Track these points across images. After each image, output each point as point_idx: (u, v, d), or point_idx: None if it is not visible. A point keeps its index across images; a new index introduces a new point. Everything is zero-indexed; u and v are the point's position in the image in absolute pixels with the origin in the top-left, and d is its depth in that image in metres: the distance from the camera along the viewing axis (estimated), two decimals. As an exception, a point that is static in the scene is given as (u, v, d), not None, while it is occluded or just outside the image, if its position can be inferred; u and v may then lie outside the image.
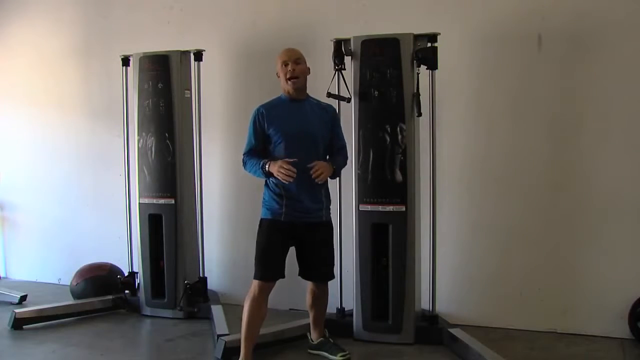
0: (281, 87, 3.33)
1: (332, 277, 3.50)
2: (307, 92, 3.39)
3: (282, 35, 4.48)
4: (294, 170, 3.09)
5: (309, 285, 3.47)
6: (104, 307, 4.52)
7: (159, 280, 4.39)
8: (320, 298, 3.50)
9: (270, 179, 3.26)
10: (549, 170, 3.94)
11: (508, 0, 3.99)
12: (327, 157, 3.40)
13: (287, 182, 3.11)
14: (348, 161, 3.61)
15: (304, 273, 3.42)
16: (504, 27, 3.98)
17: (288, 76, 3.25)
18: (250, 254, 3.32)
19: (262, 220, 3.32)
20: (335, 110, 3.52)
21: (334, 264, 3.49)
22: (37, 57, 5.48)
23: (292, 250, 3.37)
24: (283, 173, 3.09)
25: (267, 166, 3.15)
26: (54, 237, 5.50)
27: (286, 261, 3.34)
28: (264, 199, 3.32)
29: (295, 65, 3.25)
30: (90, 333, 4.13)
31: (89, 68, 5.28)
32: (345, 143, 3.52)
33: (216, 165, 4.74)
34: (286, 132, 3.23)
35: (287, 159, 3.12)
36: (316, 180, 3.19)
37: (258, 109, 3.30)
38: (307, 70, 3.34)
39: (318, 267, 3.41)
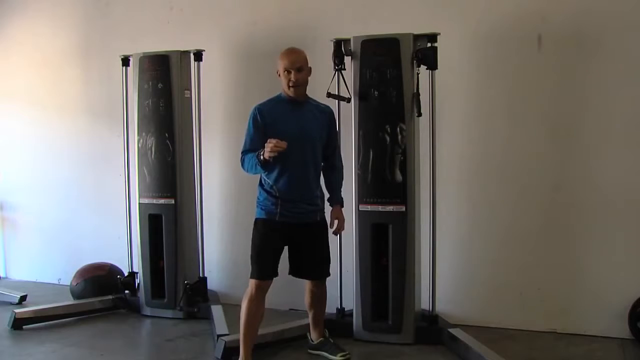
0: (281, 87, 3.33)
1: (327, 274, 3.49)
2: (307, 92, 3.38)
3: (282, 35, 4.47)
4: (282, 144, 3.03)
5: (307, 285, 3.48)
6: (104, 307, 4.51)
7: (159, 280, 4.39)
8: (318, 298, 3.50)
9: (265, 180, 3.28)
10: (548, 170, 3.94)
11: (508, 0, 3.99)
12: (325, 161, 3.43)
13: (279, 152, 3.03)
14: (348, 161, 3.62)
15: (299, 272, 3.41)
16: (504, 27, 3.98)
17: (290, 85, 3.24)
18: (250, 254, 3.33)
19: (256, 220, 3.32)
20: (332, 112, 3.52)
21: (329, 262, 3.49)
22: (37, 57, 5.49)
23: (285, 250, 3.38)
24: (271, 148, 3.03)
25: (261, 155, 3.11)
26: (54, 237, 5.50)
27: (285, 261, 3.34)
28: (258, 199, 3.33)
29: (298, 74, 3.23)
30: (90, 333, 4.13)
31: (89, 68, 5.28)
32: (339, 149, 3.54)
33: (216, 165, 4.74)
34: (284, 133, 3.20)
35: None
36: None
37: (257, 108, 3.29)
38: (309, 73, 3.33)
39: (313, 265, 3.41)
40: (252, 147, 3.26)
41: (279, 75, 3.29)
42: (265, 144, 3.06)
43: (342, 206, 3.51)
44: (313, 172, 3.34)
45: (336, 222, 3.45)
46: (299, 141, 3.24)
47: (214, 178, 4.72)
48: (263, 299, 3.29)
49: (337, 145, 3.54)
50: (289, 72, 3.24)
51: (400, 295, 3.70)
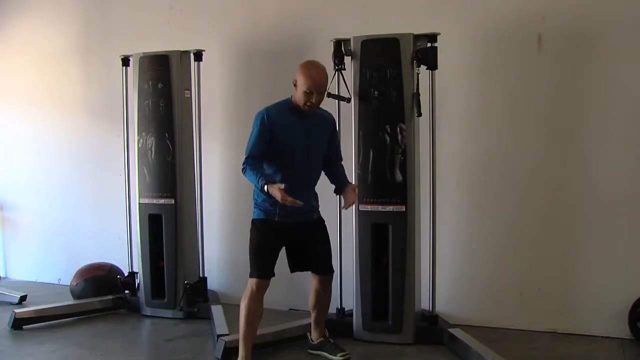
0: (294, 96, 3.26)
1: (332, 268, 3.50)
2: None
3: (282, 35, 4.48)
4: (298, 202, 3.06)
5: (312, 285, 3.48)
6: (104, 307, 4.51)
7: (159, 280, 4.38)
8: (323, 298, 3.51)
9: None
10: (548, 170, 3.94)
11: (508, 0, 3.99)
12: (327, 166, 3.44)
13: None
14: (348, 161, 3.63)
15: (301, 265, 3.42)
16: (504, 27, 3.97)
17: (307, 105, 3.20)
18: (251, 254, 3.33)
19: (254, 220, 3.32)
20: (334, 119, 3.53)
21: (330, 256, 3.50)
22: (37, 57, 5.49)
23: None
24: (284, 202, 3.05)
25: (265, 188, 3.10)
26: (54, 237, 5.50)
27: (283, 263, 3.35)
28: (255, 200, 3.32)
29: (318, 97, 3.20)
30: (90, 333, 4.13)
31: (89, 68, 5.28)
32: (340, 154, 3.55)
33: (216, 165, 4.74)
34: (290, 142, 3.22)
35: (283, 189, 3.05)
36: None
37: (265, 112, 3.24)
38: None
39: (317, 258, 3.42)
40: (256, 152, 3.23)
41: (295, 86, 3.22)
42: (281, 199, 3.02)
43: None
44: (313, 180, 3.37)
45: (350, 197, 3.37)
46: (304, 150, 3.25)
47: (214, 178, 4.72)
48: (262, 298, 3.29)
49: (339, 150, 3.55)
50: (310, 94, 3.18)
51: (400, 295, 3.70)
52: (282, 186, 3.05)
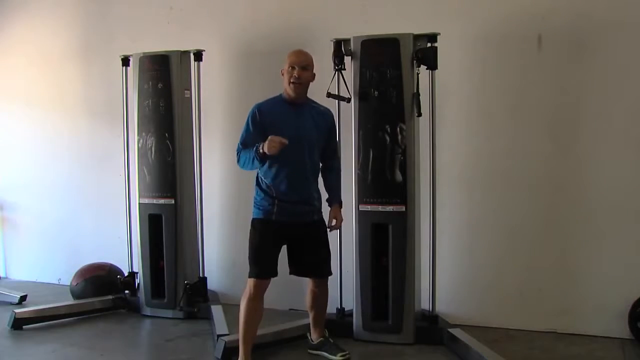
0: (283, 86, 3.32)
1: (329, 272, 3.50)
2: (308, 92, 3.36)
3: (282, 35, 4.48)
4: (284, 141, 3.06)
5: (309, 286, 3.48)
6: (104, 307, 4.52)
7: (159, 280, 4.39)
8: (320, 298, 3.50)
9: (262, 180, 3.28)
10: (548, 170, 3.94)
11: (508, 0, 4.00)
12: (323, 165, 3.44)
13: (280, 148, 3.06)
14: (348, 161, 3.64)
15: (300, 270, 3.41)
16: (504, 27, 3.98)
17: (292, 80, 3.24)
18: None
19: (254, 220, 3.32)
20: (333, 116, 3.52)
21: (329, 260, 3.49)
22: (38, 57, 5.49)
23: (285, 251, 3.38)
24: (275, 147, 3.05)
25: (260, 147, 3.10)
26: (54, 237, 5.50)
27: (284, 262, 3.34)
28: (255, 199, 3.32)
29: (302, 72, 3.23)
30: (90, 333, 4.13)
31: (89, 68, 5.28)
32: (338, 152, 3.56)
33: (216, 165, 4.73)
34: (282, 135, 3.21)
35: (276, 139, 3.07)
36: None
37: (257, 107, 3.29)
38: (312, 77, 3.32)
39: (314, 263, 3.41)
40: (248, 144, 3.25)
41: (283, 74, 3.28)
42: (268, 143, 3.05)
43: (341, 206, 3.50)
44: (311, 173, 3.35)
45: (334, 221, 3.44)
46: (297, 143, 3.23)
47: (214, 178, 4.72)
48: (262, 298, 3.29)
49: (336, 147, 3.55)
50: (293, 68, 3.23)
51: (400, 295, 3.70)
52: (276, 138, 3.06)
